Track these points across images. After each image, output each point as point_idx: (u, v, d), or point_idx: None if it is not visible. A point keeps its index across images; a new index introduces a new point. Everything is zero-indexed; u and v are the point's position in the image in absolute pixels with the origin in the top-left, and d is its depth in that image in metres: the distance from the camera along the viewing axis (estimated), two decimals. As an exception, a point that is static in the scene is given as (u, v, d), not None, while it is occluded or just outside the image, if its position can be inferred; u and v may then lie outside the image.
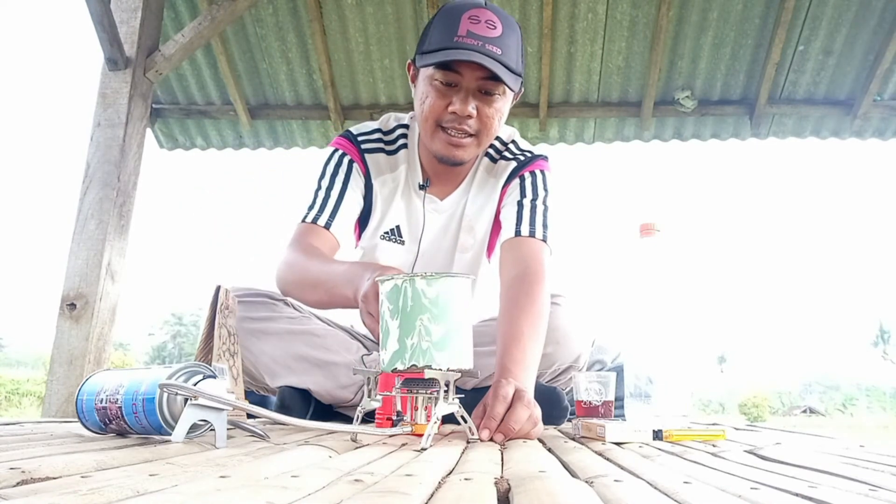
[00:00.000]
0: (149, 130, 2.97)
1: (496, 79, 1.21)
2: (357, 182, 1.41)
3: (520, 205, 1.38)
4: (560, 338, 1.37)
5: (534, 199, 1.39)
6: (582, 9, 3.10)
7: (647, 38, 3.20)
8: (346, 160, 1.41)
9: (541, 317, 1.18)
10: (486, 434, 0.90)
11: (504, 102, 1.29)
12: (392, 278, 0.83)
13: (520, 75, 1.25)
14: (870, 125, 3.44)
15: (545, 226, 1.36)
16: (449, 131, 1.28)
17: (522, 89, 1.37)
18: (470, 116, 1.25)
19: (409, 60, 1.37)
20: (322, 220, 1.33)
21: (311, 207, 1.36)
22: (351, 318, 1.63)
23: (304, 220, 1.34)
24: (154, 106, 3.45)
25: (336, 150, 1.43)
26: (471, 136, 1.29)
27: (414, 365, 0.80)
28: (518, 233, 1.34)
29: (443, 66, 1.22)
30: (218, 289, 1.19)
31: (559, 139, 3.65)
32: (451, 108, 1.25)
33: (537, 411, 0.97)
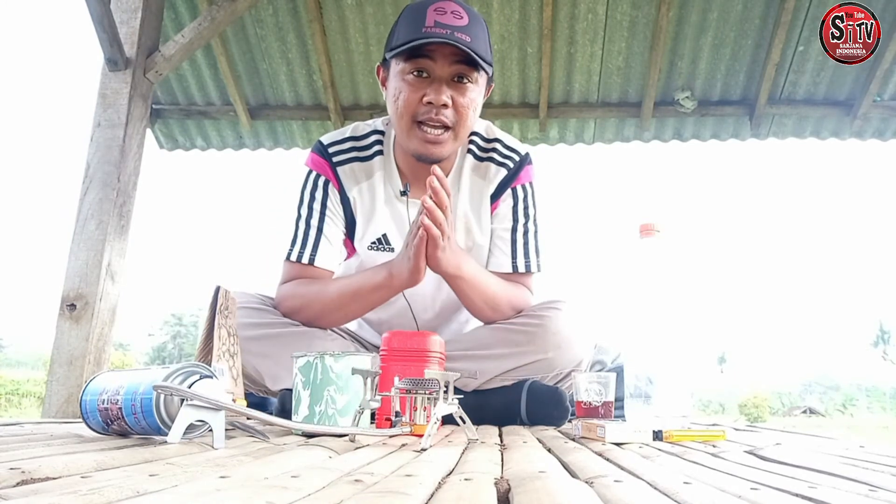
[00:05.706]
0: (149, 131, 2.97)
1: (469, 63, 1.21)
2: (334, 203, 1.43)
3: (513, 233, 1.44)
4: (561, 342, 1.36)
5: (526, 223, 1.45)
6: (582, 9, 3.11)
7: (647, 39, 3.20)
8: (321, 182, 1.43)
9: (500, 300, 1.37)
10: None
11: (477, 93, 1.29)
12: (305, 355, 0.95)
13: (490, 64, 1.26)
14: (870, 125, 3.44)
15: (537, 252, 1.45)
16: (424, 127, 1.27)
17: (493, 85, 1.38)
18: (446, 105, 1.24)
19: (377, 64, 1.36)
20: (305, 258, 1.38)
21: (293, 242, 1.39)
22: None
23: (288, 258, 1.39)
24: (154, 106, 3.45)
25: (310, 172, 1.44)
26: (447, 129, 1.28)
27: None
28: (515, 268, 1.44)
29: (414, 55, 1.22)
30: (217, 289, 1.19)
31: (559, 139, 3.65)
32: (425, 99, 1.24)
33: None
